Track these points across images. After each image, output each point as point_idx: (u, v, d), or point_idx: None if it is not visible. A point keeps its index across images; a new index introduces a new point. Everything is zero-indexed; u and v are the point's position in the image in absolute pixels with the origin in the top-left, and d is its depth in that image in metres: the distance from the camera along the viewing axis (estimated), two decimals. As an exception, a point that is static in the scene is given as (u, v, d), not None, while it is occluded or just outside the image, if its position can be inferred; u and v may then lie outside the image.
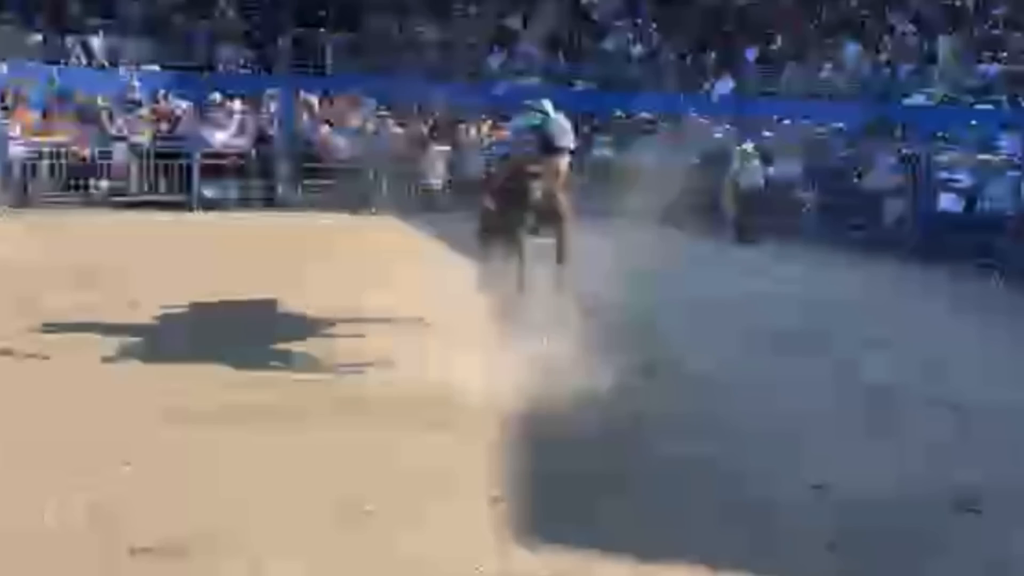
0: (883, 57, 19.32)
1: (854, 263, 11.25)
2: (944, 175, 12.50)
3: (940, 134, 14.34)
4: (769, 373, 7.21)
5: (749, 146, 13.29)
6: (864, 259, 11.49)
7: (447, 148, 14.51)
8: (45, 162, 13.13)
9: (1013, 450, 6.03)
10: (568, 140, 7.16)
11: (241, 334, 7.61)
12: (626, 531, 4.74)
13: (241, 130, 14.18)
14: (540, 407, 6.06)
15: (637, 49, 21.75)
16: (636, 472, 5.44)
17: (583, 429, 5.82)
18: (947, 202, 12.15)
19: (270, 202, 13.81)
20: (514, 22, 23.57)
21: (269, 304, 8.54)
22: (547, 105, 7.37)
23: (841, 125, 14.83)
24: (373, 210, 13.67)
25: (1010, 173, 11.73)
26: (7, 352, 6.84)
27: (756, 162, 13.12)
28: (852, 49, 19.86)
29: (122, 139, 13.60)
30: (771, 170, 13.66)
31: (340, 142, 14.19)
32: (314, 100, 15.94)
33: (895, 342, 8.15)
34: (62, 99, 15.23)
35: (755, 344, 7.85)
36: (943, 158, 12.42)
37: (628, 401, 6.32)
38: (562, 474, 5.30)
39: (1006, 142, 13.92)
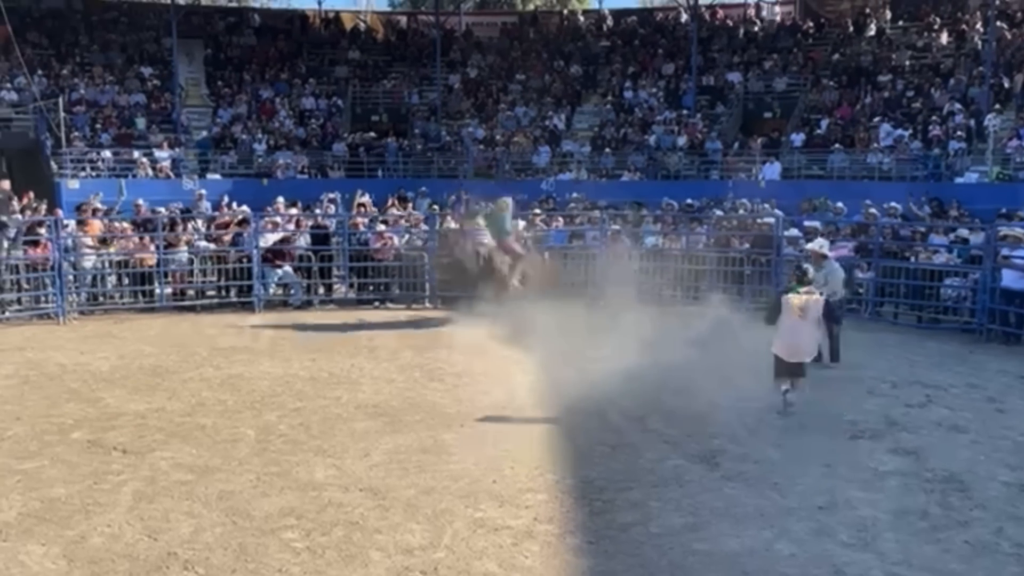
0: (931, 136, 19.31)
1: (913, 343, 11.02)
2: (1005, 251, 12.25)
3: (1001, 211, 14.14)
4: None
5: (820, 244, 10.20)
6: (925, 338, 11.26)
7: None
8: (113, 270, 13.64)
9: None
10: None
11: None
12: None
13: (297, 231, 14.60)
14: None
15: (682, 140, 22.04)
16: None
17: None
18: (1010, 279, 11.88)
19: (328, 301, 14.08)
20: (559, 121, 24.16)
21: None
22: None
23: (895, 204, 14.73)
24: (427, 304, 13.87)
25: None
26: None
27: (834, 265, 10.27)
28: (886, 130, 19.94)
29: (186, 245, 14.08)
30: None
31: (395, 240, 14.49)
32: (368, 200, 16.38)
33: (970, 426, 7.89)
34: (129, 209, 15.94)
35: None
36: (1005, 234, 12.19)
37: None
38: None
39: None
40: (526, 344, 10.27)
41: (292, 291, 14.10)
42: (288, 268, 14.14)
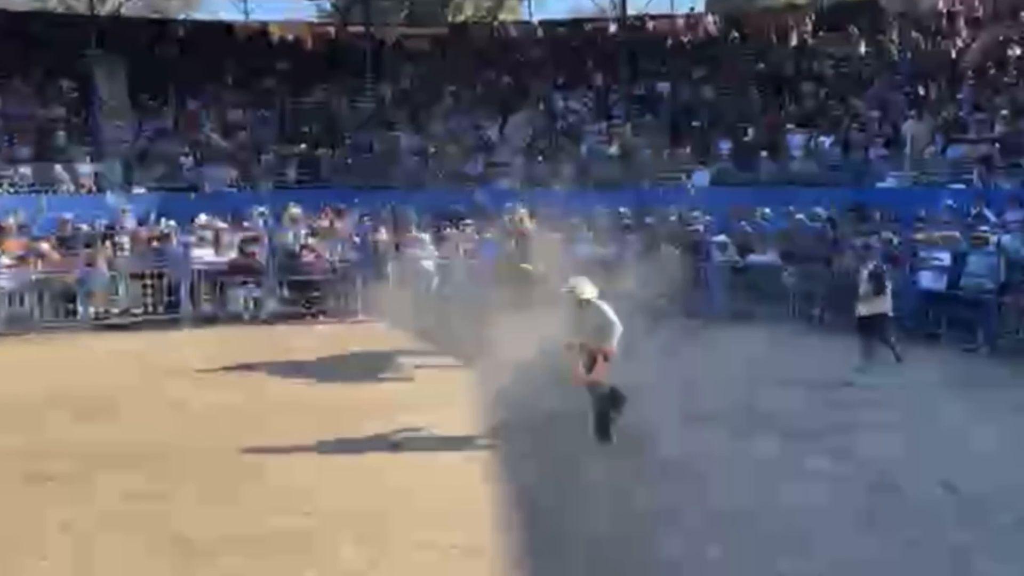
0: (853, 143, 19.85)
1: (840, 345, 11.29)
2: (924, 254, 12.66)
3: (918, 215, 14.60)
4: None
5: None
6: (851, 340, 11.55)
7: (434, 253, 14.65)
8: (33, 289, 13.16)
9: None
10: None
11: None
12: None
13: (224, 247, 14.30)
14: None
15: (613, 149, 22.27)
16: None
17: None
18: (928, 280, 12.27)
19: (256, 317, 13.82)
20: (491, 131, 24.20)
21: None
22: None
23: (819, 210, 15.09)
24: (360, 316, 13.73)
25: (989, 249, 11.91)
26: None
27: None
28: (797, 141, 20.48)
29: (109, 263, 13.69)
30: (752, 257, 13.86)
31: (325, 253, 14.32)
32: (298, 213, 16.16)
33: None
34: (50, 226, 15.44)
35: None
36: (921, 237, 12.61)
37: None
38: None
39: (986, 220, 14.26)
40: (461, 353, 10.24)
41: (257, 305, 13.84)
42: (251, 284, 13.88)
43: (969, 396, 8.94)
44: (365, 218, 17.10)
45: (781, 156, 20.49)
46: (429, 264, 14.48)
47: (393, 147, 23.75)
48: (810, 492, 6.54)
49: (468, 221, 16.44)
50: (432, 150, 23.21)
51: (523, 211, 10.42)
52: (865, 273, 10.52)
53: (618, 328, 7.36)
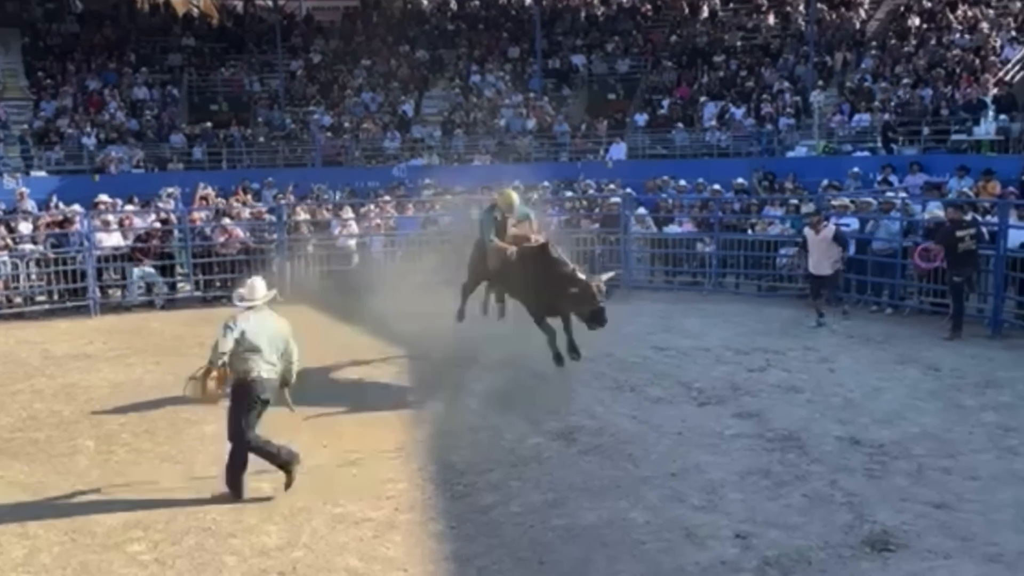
0: (764, 114, 20.26)
1: (753, 311, 11.57)
2: (834, 220, 13.00)
3: (827, 182, 14.98)
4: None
5: None
6: (764, 306, 11.86)
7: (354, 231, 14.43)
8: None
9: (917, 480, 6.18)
10: None
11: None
12: None
13: (132, 230, 13.83)
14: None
15: (531, 123, 22.27)
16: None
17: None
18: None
19: (172, 301, 13.42)
20: (408, 106, 23.93)
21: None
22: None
23: (740, 180, 15.38)
24: (280, 298, 13.42)
25: (894, 214, 12.30)
26: None
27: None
28: (710, 110, 20.83)
29: (8, 249, 13.10)
30: (669, 228, 14.05)
31: (240, 233, 13.97)
32: (211, 193, 15.73)
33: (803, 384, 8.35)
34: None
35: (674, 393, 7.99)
36: (836, 204, 12.93)
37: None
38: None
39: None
40: (377, 328, 10.15)
41: (155, 290, 13.39)
42: (150, 268, 13.42)
43: (872, 354, 9.29)
44: (280, 197, 16.76)
45: (696, 128, 20.79)
46: (350, 242, 14.27)
47: (306, 124, 23.31)
48: (721, 453, 6.71)
49: (387, 198, 16.26)
50: (347, 126, 22.85)
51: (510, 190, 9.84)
52: (827, 234, 10.83)
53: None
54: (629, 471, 6.46)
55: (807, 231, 11.19)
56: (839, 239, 10.98)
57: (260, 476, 6.16)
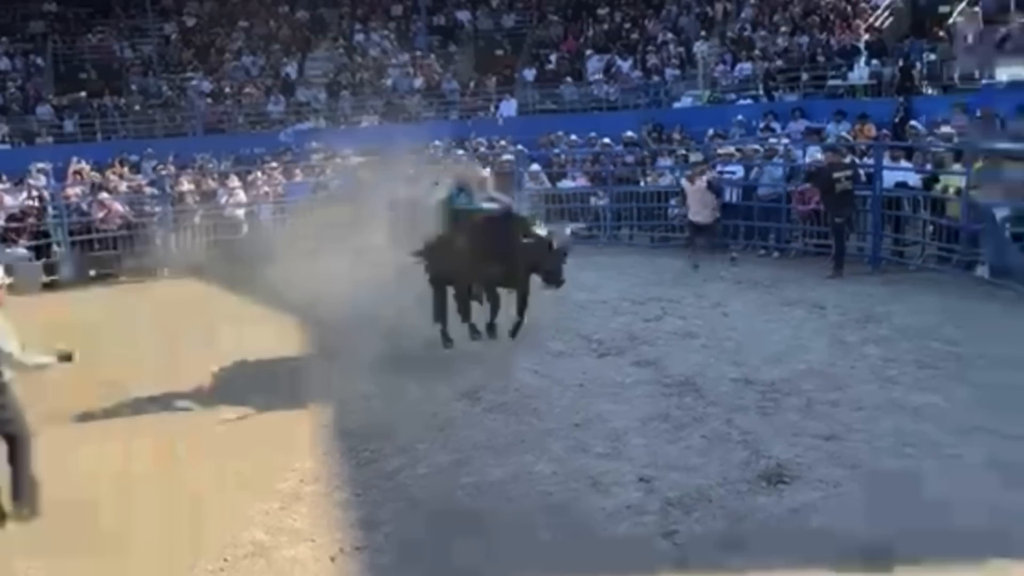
0: (650, 66, 20.48)
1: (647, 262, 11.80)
2: (719, 169, 13.30)
3: (713, 131, 15.28)
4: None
5: None
6: (657, 256, 12.11)
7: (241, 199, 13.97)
8: None
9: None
10: None
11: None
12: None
13: (3, 208, 13.07)
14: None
15: (418, 82, 21.94)
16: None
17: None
18: (727, 194, 12.93)
19: (53, 283, 12.74)
20: (291, 68, 23.24)
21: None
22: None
23: (630, 133, 15.54)
24: (166, 272, 12.95)
25: (777, 160, 12.66)
26: None
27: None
28: (594, 64, 20.96)
29: None
30: (563, 183, 14.14)
31: (119, 208, 13.34)
32: (86, 167, 14.94)
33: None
34: None
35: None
36: (722, 152, 13.21)
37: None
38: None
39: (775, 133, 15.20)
40: (268, 297, 9.90)
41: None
42: (22, 250, 12.66)
43: (760, 298, 9.59)
44: (161, 168, 16.07)
45: (583, 82, 20.87)
46: (238, 212, 13.83)
47: (184, 91, 22.38)
48: (622, 401, 6.85)
49: (274, 164, 15.78)
50: (228, 92, 22.04)
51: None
52: (701, 184, 11.12)
53: None
54: (534, 425, 6.52)
55: (684, 182, 11.76)
56: (712, 188, 11.42)
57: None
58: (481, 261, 7.91)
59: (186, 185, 14.19)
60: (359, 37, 24.18)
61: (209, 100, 21.89)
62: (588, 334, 8.58)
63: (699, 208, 11.36)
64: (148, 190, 13.90)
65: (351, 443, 6.37)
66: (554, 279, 7.60)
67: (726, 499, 5.29)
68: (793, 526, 4.99)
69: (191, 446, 6.39)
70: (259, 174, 14.77)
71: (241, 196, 13.95)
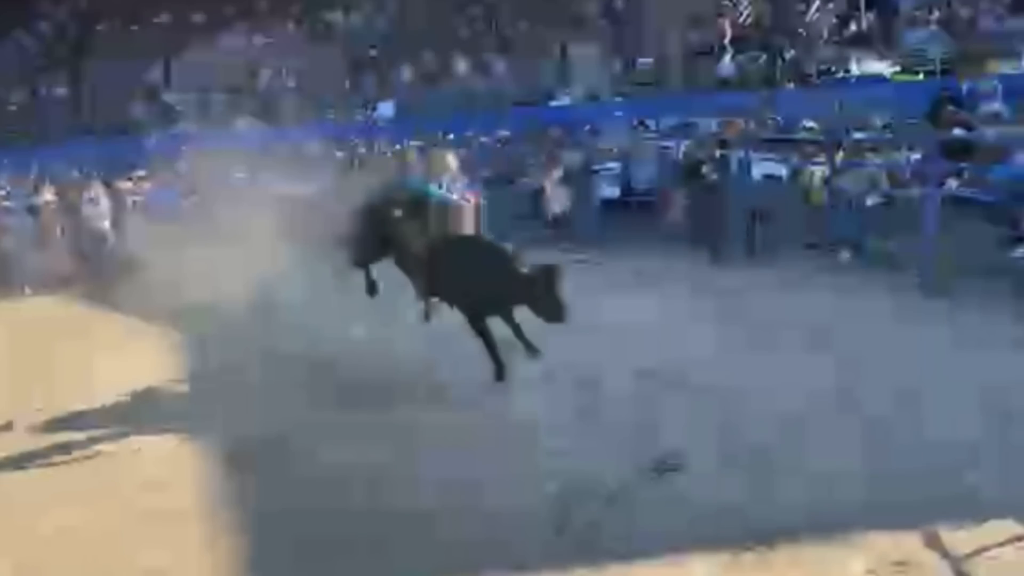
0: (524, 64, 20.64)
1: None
2: (599, 166, 13.54)
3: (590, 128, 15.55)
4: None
5: None
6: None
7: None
8: None
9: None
10: None
11: None
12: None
13: None
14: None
15: (293, 83, 21.48)
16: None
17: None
18: (606, 190, 13.19)
19: None
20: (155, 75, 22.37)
21: None
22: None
23: (505, 133, 15.64)
24: (27, 291, 12.23)
25: (652, 156, 12.99)
26: None
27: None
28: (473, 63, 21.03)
29: None
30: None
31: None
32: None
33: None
34: None
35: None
36: (603, 148, 13.49)
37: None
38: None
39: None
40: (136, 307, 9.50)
41: None
42: None
43: (648, 291, 9.71)
44: (19, 178, 15.20)
45: (459, 81, 20.86)
46: (104, 223, 13.18)
47: (41, 96, 21.22)
48: (525, 399, 6.89)
49: (141, 171, 15.15)
50: (88, 97, 21.02)
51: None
52: (554, 178, 11.33)
53: None
54: (435, 421, 6.50)
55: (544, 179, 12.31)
56: (564, 183, 12.00)
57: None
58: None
59: (47, 196, 13.46)
60: (229, 39, 23.47)
61: (67, 107, 20.84)
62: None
63: (555, 203, 11.75)
64: (5, 203, 13.13)
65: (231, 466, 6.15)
66: (553, 316, 6.82)
67: (619, 490, 5.36)
68: (685, 512, 5.10)
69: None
70: (125, 182, 14.16)
71: (105, 205, 13.32)
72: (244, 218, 11.86)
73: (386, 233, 7.59)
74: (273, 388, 7.41)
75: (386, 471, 5.78)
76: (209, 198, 12.70)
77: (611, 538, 4.88)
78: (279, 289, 9.02)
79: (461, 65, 21.07)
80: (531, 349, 7.19)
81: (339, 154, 15.83)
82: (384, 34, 23.47)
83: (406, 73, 21.49)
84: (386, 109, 20.33)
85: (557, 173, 11.55)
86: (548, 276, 6.79)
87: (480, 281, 7.06)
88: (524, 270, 6.90)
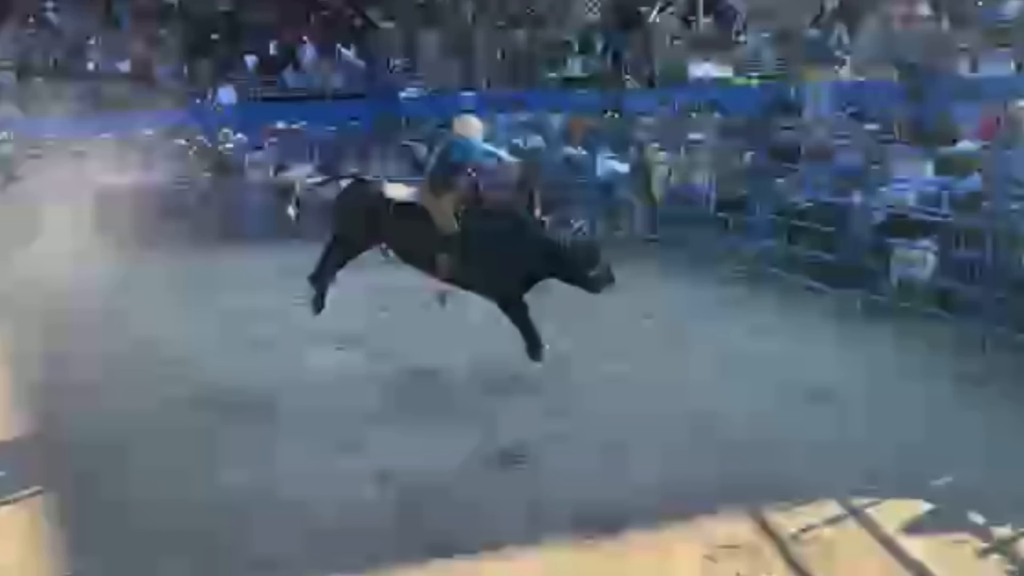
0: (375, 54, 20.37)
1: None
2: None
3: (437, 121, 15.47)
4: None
5: None
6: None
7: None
8: None
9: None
10: None
11: None
12: None
13: None
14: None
15: (125, 65, 20.29)
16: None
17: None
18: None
19: None
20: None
21: None
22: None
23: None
24: None
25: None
26: None
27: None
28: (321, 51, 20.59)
29: None
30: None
31: None
32: None
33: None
34: None
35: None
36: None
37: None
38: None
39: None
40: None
41: None
42: None
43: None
44: None
45: (305, 69, 20.34)
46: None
47: None
48: (358, 395, 6.78)
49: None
50: None
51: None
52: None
53: None
54: (269, 426, 6.27)
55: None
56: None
57: None
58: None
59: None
60: (52, 15, 21.91)
61: None
62: (318, 330, 8.32)
63: None
64: None
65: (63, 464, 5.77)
66: (596, 286, 6.84)
67: (461, 487, 5.36)
68: (529, 505, 5.14)
69: None
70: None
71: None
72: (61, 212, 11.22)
73: (381, 219, 7.06)
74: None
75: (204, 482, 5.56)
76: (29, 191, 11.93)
77: (457, 537, 4.85)
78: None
79: (308, 52, 20.56)
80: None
81: (177, 142, 15.11)
82: (226, 16, 22.57)
83: (250, 59, 20.74)
84: (227, 95, 19.53)
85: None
86: (589, 249, 6.86)
87: (517, 256, 6.83)
88: (565, 244, 6.85)
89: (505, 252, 6.87)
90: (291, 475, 5.53)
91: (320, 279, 7.39)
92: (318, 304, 7.40)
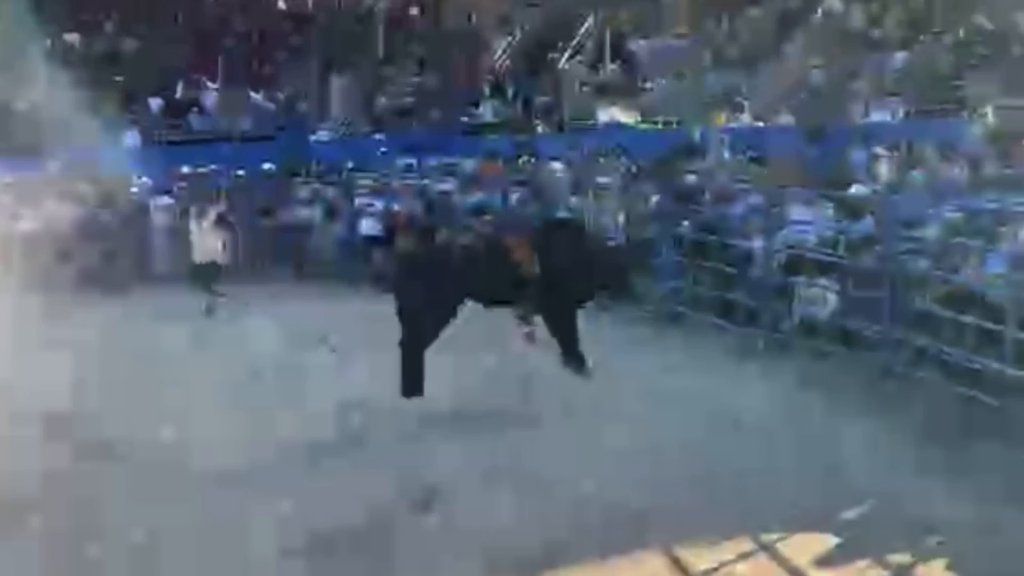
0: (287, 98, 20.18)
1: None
2: (362, 202, 13.56)
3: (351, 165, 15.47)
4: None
5: None
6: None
7: None
8: None
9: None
10: None
11: None
12: None
13: None
14: None
15: (23, 105, 19.58)
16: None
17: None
18: (366, 227, 13.21)
19: None
20: None
21: None
22: None
23: (269, 166, 15.28)
24: None
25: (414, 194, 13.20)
26: None
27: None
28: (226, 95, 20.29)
29: None
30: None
31: None
32: None
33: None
34: None
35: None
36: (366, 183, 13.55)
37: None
38: None
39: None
40: None
41: None
42: None
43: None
44: None
45: (211, 113, 20.01)
46: None
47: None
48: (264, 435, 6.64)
49: None
50: None
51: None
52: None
53: None
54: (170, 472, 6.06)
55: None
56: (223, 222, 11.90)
57: None
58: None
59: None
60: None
61: None
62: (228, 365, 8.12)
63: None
64: None
65: None
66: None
67: (375, 531, 5.26)
68: (446, 547, 5.06)
69: None
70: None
71: None
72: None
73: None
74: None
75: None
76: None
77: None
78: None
79: (214, 95, 20.22)
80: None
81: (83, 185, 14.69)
82: (131, 59, 22.05)
83: (156, 101, 20.27)
84: (132, 138, 19.01)
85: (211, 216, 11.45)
86: (641, 251, 7.20)
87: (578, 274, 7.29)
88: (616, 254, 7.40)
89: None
90: (191, 519, 5.32)
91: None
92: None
